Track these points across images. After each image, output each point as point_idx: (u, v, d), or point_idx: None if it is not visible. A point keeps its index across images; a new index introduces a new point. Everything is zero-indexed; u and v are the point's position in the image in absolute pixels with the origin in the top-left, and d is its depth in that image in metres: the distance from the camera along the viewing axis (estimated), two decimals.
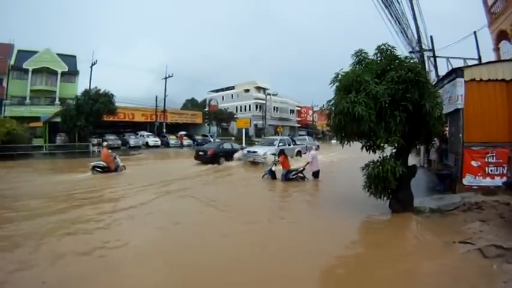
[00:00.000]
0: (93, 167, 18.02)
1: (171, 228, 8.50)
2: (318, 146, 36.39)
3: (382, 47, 9.14)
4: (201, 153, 23.86)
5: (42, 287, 5.02)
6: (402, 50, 16.13)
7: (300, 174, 15.98)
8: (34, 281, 5.19)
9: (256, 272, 5.75)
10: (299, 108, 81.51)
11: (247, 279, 5.47)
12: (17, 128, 28.62)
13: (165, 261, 6.21)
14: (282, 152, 17.04)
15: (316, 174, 16.05)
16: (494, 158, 10.31)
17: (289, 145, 26.64)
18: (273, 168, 16.63)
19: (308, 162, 16.20)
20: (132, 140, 40.79)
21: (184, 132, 47.42)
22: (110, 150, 18.41)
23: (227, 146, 26.17)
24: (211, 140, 46.61)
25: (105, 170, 18.04)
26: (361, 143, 9.38)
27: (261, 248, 6.98)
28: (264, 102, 64.77)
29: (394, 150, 9.25)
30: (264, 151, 23.00)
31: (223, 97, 74.35)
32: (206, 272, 5.69)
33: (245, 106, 70.60)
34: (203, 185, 15.26)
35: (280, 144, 24.85)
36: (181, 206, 11.24)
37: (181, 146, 43.96)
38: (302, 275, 5.60)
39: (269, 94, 67.93)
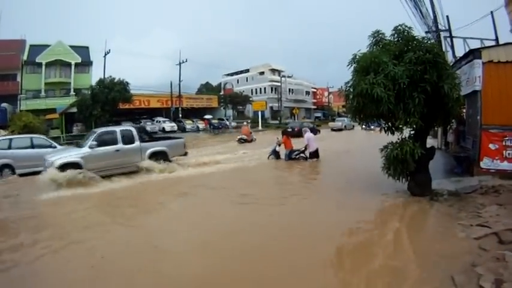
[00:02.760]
0: (239, 139, 28.13)
1: None
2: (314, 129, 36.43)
3: (399, 27, 8.99)
4: (289, 129, 29.52)
5: None
6: (418, 30, 15.93)
7: (302, 155, 16.58)
8: None
9: None
10: (314, 90, 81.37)
11: None
12: (33, 120, 29.19)
13: None
14: (284, 132, 17.99)
15: (314, 155, 16.30)
16: None
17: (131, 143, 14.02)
18: (277, 149, 17.31)
19: (306, 145, 16.47)
20: (149, 127, 40.24)
21: (210, 116, 48.49)
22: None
23: (306, 124, 33.85)
24: (227, 123, 46.79)
25: (246, 140, 28.02)
26: (381, 124, 9.43)
27: None
28: (279, 84, 64.48)
29: (412, 132, 9.18)
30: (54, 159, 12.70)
31: (238, 80, 74.44)
32: None
33: (260, 89, 70.61)
34: None
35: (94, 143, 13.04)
36: None
37: (198, 129, 44.64)
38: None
39: (284, 76, 67.51)
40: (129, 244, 6.66)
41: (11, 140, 16.23)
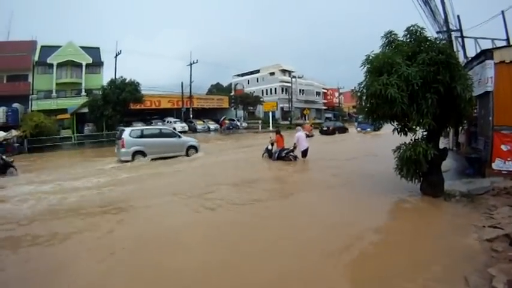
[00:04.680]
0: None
1: None
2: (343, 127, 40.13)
3: (412, 28, 9.00)
4: (324, 128, 39.94)
5: None
6: (430, 30, 15.86)
7: (291, 154, 16.93)
8: None
9: None
10: (325, 91, 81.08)
11: None
12: (44, 120, 29.65)
13: None
14: (278, 131, 18.13)
15: (304, 154, 16.70)
16: None
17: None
18: (270, 147, 17.66)
19: (295, 144, 16.85)
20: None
21: (225, 117, 48.80)
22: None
23: (339, 124, 44.79)
24: (238, 124, 46.94)
25: (308, 136, 28.45)
26: (393, 125, 9.43)
27: None
28: (290, 85, 64.31)
29: (425, 133, 9.19)
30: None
31: (248, 81, 74.18)
32: None
33: (271, 89, 70.24)
34: None
35: None
36: None
37: (209, 130, 45.12)
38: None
39: (294, 77, 67.25)
40: None
41: (142, 130, 19.57)
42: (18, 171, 15.86)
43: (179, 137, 20.29)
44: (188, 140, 20.85)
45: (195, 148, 20.17)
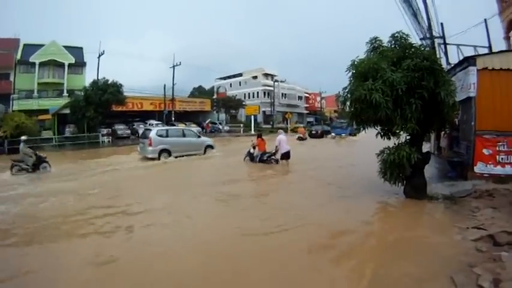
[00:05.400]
0: (298, 137, 35.00)
1: None
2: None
3: (397, 34, 9.23)
4: (313, 132, 41.50)
5: None
6: (414, 37, 16.20)
7: (273, 157, 17.02)
8: None
9: None
10: (307, 95, 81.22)
11: None
12: (25, 121, 28.86)
13: None
14: (259, 135, 18.37)
15: (285, 156, 16.67)
16: (506, 146, 10.34)
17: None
18: (251, 151, 17.85)
19: (276, 146, 16.85)
20: (141, 130, 40.21)
21: (210, 120, 49.12)
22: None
23: (326, 127, 45.67)
24: (220, 127, 46.86)
25: (302, 138, 35.25)
26: (377, 129, 9.58)
27: None
28: (272, 89, 64.52)
29: (408, 137, 9.34)
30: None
31: (231, 84, 74.16)
32: None
33: (253, 93, 70.45)
34: None
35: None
36: None
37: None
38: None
39: (277, 81, 67.45)
40: None
41: (167, 130, 21.01)
42: (51, 167, 16.14)
43: (198, 137, 22.57)
44: (206, 140, 22.96)
45: (212, 147, 22.18)
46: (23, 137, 16.71)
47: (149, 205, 9.36)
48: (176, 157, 19.57)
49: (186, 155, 20.12)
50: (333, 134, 40.74)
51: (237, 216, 8.55)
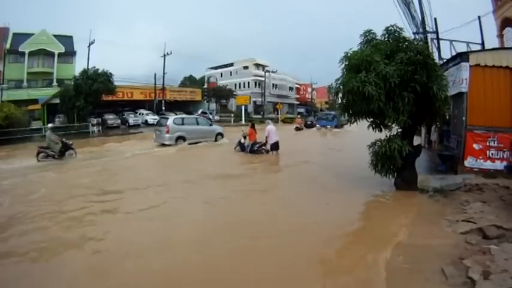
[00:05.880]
0: (296, 127, 36.55)
1: None
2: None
3: (391, 28, 9.26)
4: (309, 122, 43.06)
5: None
6: (407, 31, 16.18)
7: (263, 147, 17.31)
8: None
9: None
10: (298, 86, 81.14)
11: None
12: (15, 111, 28.47)
13: None
14: (252, 125, 18.40)
15: (274, 147, 16.78)
16: (496, 142, 10.47)
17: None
18: (242, 141, 18.12)
19: (266, 137, 16.99)
20: (132, 119, 40.67)
21: (202, 110, 48.80)
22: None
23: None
24: (210, 116, 46.75)
25: (299, 128, 37.05)
26: (369, 121, 9.61)
27: None
28: (263, 79, 64.01)
29: (399, 130, 9.40)
30: None
31: (222, 74, 73.50)
32: None
33: (244, 83, 70.10)
34: None
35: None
36: None
37: None
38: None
39: (268, 71, 66.93)
40: None
41: (183, 119, 22.73)
42: (77, 154, 16.88)
43: (210, 125, 24.51)
44: (216, 128, 24.51)
45: (222, 135, 23.57)
46: (50, 125, 18.22)
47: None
48: (190, 144, 20.98)
49: (198, 142, 21.65)
50: (318, 125, 39.62)
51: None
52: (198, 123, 23.24)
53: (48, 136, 16.07)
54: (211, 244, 6.07)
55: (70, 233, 6.57)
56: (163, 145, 20.62)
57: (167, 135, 20.73)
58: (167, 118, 22.76)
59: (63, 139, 16.87)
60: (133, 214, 7.89)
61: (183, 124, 21.79)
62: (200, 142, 21.67)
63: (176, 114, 44.90)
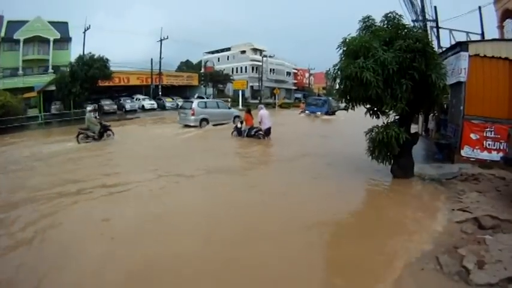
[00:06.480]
0: (301, 111, 38.05)
1: None
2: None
3: (390, 15, 9.17)
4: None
5: None
6: (407, 18, 16.13)
7: (260, 132, 17.34)
8: None
9: None
10: (295, 71, 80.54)
11: None
12: (11, 99, 28.37)
13: None
14: (248, 110, 18.55)
15: (266, 132, 17.02)
16: (493, 133, 10.40)
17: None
18: (239, 126, 18.41)
19: (260, 122, 17.24)
20: (128, 104, 40.58)
21: (198, 95, 47.64)
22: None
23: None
24: None
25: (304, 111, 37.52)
26: (366, 107, 9.58)
27: None
28: (260, 64, 63.80)
29: (397, 117, 9.39)
30: None
31: (219, 59, 72.90)
32: None
33: (241, 68, 69.62)
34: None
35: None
36: None
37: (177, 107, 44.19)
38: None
39: (265, 56, 66.57)
40: None
41: (205, 102, 25.63)
42: (115, 135, 17.88)
43: (229, 108, 27.05)
44: (234, 111, 26.59)
45: (239, 117, 23.07)
46: (89, 107, 19.46)
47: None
48: (214, 125, 23.07)
49: (220, 124, 23.52)
50: (307, 111, 37.16)
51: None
52: (218, 107, 25.45)
53: (88, 118, 16.99)
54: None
55: None
56: (187, 126, 22.66)
57: (192, 117, 22.64)
58: (191, 102, 24.91)
59: (102, 121, 17.56)
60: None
61: (206, 107, 24.02)
62: (223, 124, 23.49)
63: (173, 99, 45.16)
